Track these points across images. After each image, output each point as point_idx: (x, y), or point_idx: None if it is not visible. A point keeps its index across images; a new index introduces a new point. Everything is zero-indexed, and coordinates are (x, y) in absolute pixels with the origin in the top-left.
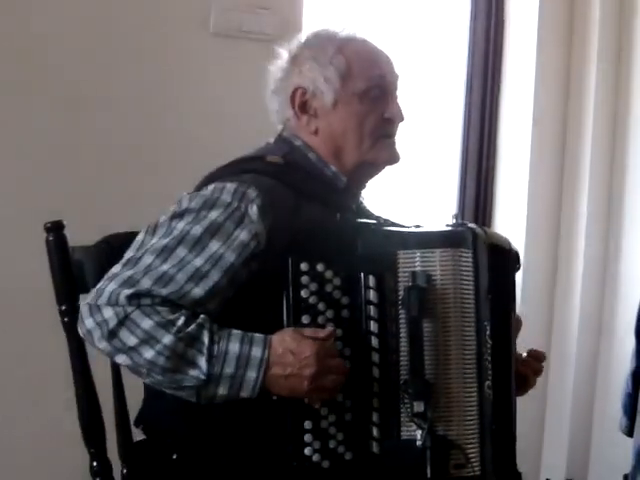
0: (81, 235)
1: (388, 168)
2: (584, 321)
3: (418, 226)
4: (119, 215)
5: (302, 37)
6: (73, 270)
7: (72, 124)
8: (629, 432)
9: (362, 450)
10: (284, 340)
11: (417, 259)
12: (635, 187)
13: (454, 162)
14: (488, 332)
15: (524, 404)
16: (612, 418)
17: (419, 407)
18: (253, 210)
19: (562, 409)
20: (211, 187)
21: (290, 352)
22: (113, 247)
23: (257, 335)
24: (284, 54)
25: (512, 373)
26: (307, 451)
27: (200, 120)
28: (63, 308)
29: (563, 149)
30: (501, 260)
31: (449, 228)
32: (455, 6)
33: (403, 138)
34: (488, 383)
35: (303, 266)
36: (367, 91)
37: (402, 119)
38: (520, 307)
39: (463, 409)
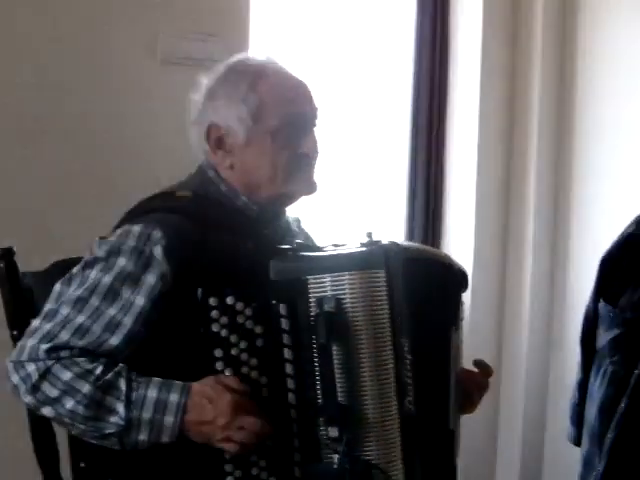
0: (31, 261)
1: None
2: (534, 335)
3: (336, 246)
4: (69, 241)
5: (220, 68)
6: (24, 295)
7: (20, 149)
8: (577, 442)
9: (285, 475)
10: (204, 388)
11: (327, 284)
12: (581, 201)
13: (402, 176)
14: (406, 348)
15: (476, 419)
16: (564, 430)
17: (333, 432)
18: (158, 251)
19: (514, 422)
20: (119, 231)
21: (208, 400)
22: (62, 272)
23: (176, 382)
24: (203, 86)
25: (447, 384)
26: (228, 468)
27: (149, 147)
28: (14, 333)
29: (509, 164)
30: (429, 273)
31: (360, 249)
32: (401, 10)
33: (351, 150)
34: (409, 399)
35: (212, 301)
36: (280, 129)
37: (317, 153)
38: (469, 324)
39: (383, 428)
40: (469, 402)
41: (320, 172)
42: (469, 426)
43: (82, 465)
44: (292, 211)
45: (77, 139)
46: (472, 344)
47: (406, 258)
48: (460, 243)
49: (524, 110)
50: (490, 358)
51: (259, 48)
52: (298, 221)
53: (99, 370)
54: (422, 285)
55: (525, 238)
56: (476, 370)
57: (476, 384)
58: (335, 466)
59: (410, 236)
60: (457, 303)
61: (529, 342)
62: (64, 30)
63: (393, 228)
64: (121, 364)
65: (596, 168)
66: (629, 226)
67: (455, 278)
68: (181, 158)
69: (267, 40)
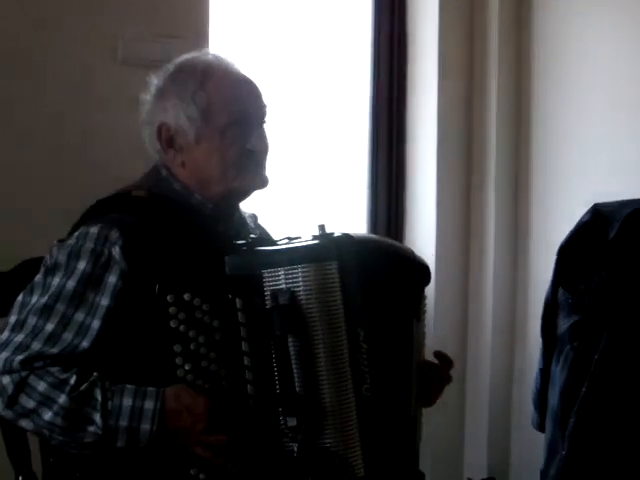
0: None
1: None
2: (497, 324)
3: (290, 239)
4: (35, 241)
5: (169, 67)
6: None
7: None
8: (540, 427)
9: (247, 466)
10: (178, 393)
11: (281, 277)
12: (540, 194)
13: (363, 173)
14: (362, 337)
15: (443, 407)
16: (529, 416)
17: (292, 421)
18: (116, 251)
19: (480, 410)
20: (76, 234)
21: (183, 406)
22: (28, 273)
23: (150, 389)
24: (152, 86)
25: (407, 372)
26: (192, 471)
27: (109, 147)
28: None
29: (469, 159)
30: (383, 264)
31: (313, 242)
32: (358, 8)
33: (313, 145)
34: (366, 387)
35: (169, 297)
36: (229, 126)
37: (266, 149)
38: (434, 316)
39: (341, 416)
40: (431, 393)
41: (280, 168)
42: (437, 415)
43: (51, 460)
44: (248, 208)
45: (38, 140)
46: (437, 336)
47: (359, 249)
48: (422, 238)
49: (482, 105)
50: (455, 349)
51: (218, 49)
52: (254, 217)
53: (73, 380)
54: (377, 275)
55: (486, 230)
56: (436, 362)
57: (438, 376)
58: (295, 455)
59: (373, 232)
60: (417, 295)
61: (493, 332)
62: (23, 31)
63: (356, 224)
64: (95, 373)
65: (554, 162)
66: (584, 215)
67: (414, 270)
68: (142, 158)
69: (226, 41)
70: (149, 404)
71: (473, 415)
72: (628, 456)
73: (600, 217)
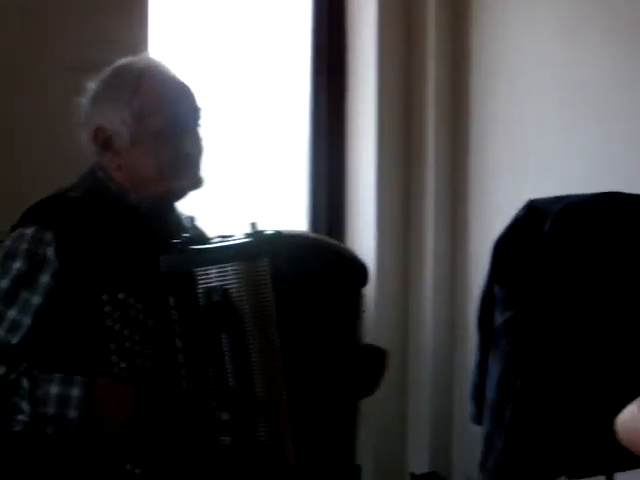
0: None
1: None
2: (438, 320)
3: (223, 238)
4: None
5: (106, 72)
6: None
7: None
8: (478, 420)
9: (182, 460)
10: (107, 384)
11: (214, 275)
12: (478, 190)
13: (303, 173)
14: (294, 333)
15: (385, 401)
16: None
17: (225, 415)
18: (51, 253)
19: (422, 405)
20: (14, 235)
21: (111, 395)
22: None
23: (78, 377)
24: (89, 90)
25: (343, 366)
26: (128, 466)
27: (51, 152)
28: None
29: (407, 158)
30: (316, 260)
31: (244, 240)
32: (297, 9)
33: (252, 146)
34: (299, 381)
35: (104, 297)
36: (163, 129)
37: (201, 151)
38: (374, 311)
39: (273, 410)
40: (370, 385)
41: (221, 167)
42: (379, 410)
43: None
44: (186, 209)
45: None
46: (378, 332)
47: (291, 246)
48: (363, 235)
49: (420, 104)
50: (396, 344)
51: (158, 53)
52: (192, 219)
53: (2, 371)
54: (310, 272)
55: (426, 227)
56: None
57: (374, 367)
58: (228, 448)
59: (314, 231)
60: (354, 293)
61: (434, 327)
62: None
63: (296, 222)
64: (24, 364)
65: (491, 159)
66: (520, 211)
67: (350, 268)
68: (83, 162)
69: (166, 44)
70: (76, 392)
71: (415, 410)
72: (564, 448)
73: (535, 212)
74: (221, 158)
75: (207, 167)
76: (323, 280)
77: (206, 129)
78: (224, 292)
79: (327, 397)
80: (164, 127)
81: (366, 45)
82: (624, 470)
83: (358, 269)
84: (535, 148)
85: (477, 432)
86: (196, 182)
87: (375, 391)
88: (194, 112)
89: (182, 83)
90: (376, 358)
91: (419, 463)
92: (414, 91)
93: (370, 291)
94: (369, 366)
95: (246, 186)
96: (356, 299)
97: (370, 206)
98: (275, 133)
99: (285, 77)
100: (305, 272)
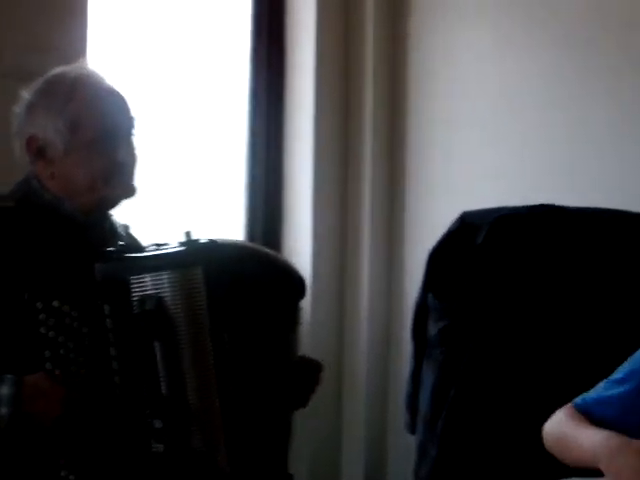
0: None
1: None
2: (373, 330)
3: (159, 246)
4: None
5: (39, 81)
6: None
7: None
8: (412, 429)
9: (116, 467)
10: (37, 382)
11: (148, 283)
12: (415, 201)
13: (240, 183)
14: (227, 341)
15: (320, 411)
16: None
17: (158, 423)
18: None
19: (357, 414)
20: None
21: (41, 393)
22: None
23: (8, 376)
24: (24, 99)
25: (276, 375)
26: (63, 473)
27: None
28: None
29: (345, 166)
30: (249, 268)
31: (179, 248)
32: (236, 13)
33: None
34: (232, 388)
35: (39, 304)
36: (96, 139)
37: (134, 160)
38: (310, 321)
39: (206, 417)
40: (302, 397)
41: (157, 175)
42: (314, 419)
43: None
44: (121, 218)
45: None
46: (314, 341)
47: (226, 255)
48: (299, 244)
49: (358, 110)
50: (332, 354)
51: (96, 61)
52: (126, 227)
53: None
54: (245, 282)
55: (362, 238)
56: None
57: (308, 379)
58: (161, 455)
59: (250, 240)
60: (290, 303)
61: (369, 337)
62: None
63: (233, 232)
64: None
65: (428, 171)
66: (453, 223)
67: (286, 278)
68: (19, 171)
69: (104, 53)
70: (6, 390)
71: (350, 419)
72: (495, 456)
73: (467, 224)
74: (157, 166)
75: (143, 175)
76: (259, 291)
77: (142, 136)
78: (158, 300)
79: (260, 406)
80: (97, 136)
81: (304, 52)
82: (558, 479)
83: (295, 281)
84: (470, 161)
85: (412, 441)
86: (129, 191)
87: (308, 403)
88: (128, 121)
89: (116, 92)
90: (311, 371)
91: (354, 472)
92: (352, 102)
93: (306, 300)
94: (303, 378)
95: (182, 195)
96: (292, 311)
97: (307, 217)
98: (212, 142)
99: (222, 84)
100: (241, 282)
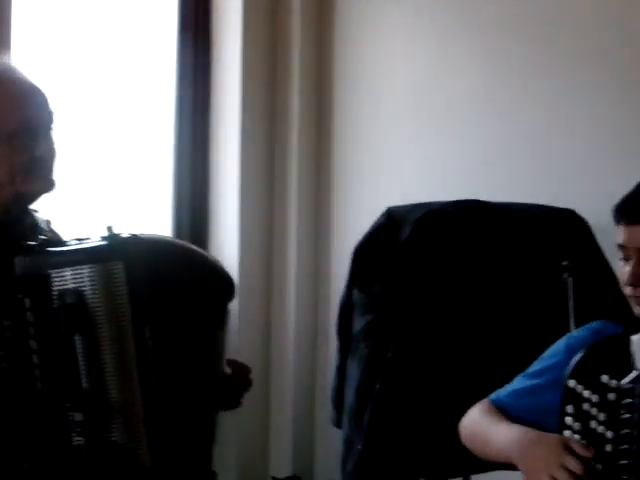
0: None
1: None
2: (300, 326)
3: (80, 240)
4: None
5: None
6: None
7: None
8: (338, 424)
9: (37, 461)
10: None
11: (69, 277)
12: (341, 198)
13: (168, 180)
14: (148, 335)
15: (247, 407)
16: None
17: (79, 416)
18: None
19: (285, 409)
20: None
21: None
22: None
23: None
24: None
25: (199, 370)
26: None
27: None
28: None
29: (271, 164)
30: (171, 263)
31: (100, 243)
32: (163, 15)
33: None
34: (153, 381)
35: None
36: (14, 134)
37: (53, 154)
38: (238, 316)
39: (127, 411)
40: (232, 399)
41: (83, 172)
42: (242, 415)
43: None
44: (42, 213)
45: None
46: (241, 338)
47: (148, 250)
48: (226, 242)
49: (284, 107)
50: (259, 350)
51: (20, 55)
52: (48, 222)
53: None
54: (169, 278)
55: (289, 235)
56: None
57: (237, 382)
58: (84, 450)
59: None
60: (214, 298)
61: (296, 333)
62: None
63: (161, 229)
64: None
65: (354, 168)
66: (379, 218)
67: (214, 276)
68: None
69: (29, 47)
70: None
71: (278, 414)
72: (420, 449)
73: (393, 220)
74: (85, 163)
75: (70, 172)
76: (184, 286)
77: (69, 133)
78: (78, 294)
79: (184, 403)
80: (16, 131)
81: (231, 49)
82: (480, 472)
83: (223, 280)
84: (396, 157)
85: (339, 435)
86: (48, 185)
87: (238, 406)
88: (47, 116)
89: (35, 86)
90: (240, 372)
91: (281, 467)
92: (278, 99)
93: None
94: (233, 379)
95: (110, 191)
96: (219, 309)
97: (233, 214)
98: (139, 137)
99: (149, 79)
100: (164, 277)
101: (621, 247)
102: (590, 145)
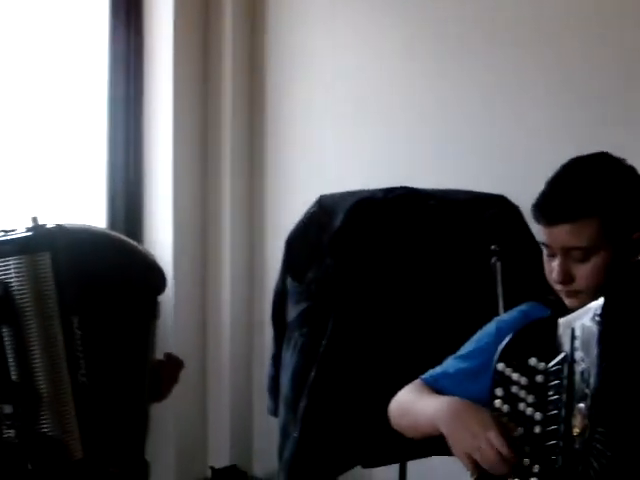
0: None
1: None
2: (235, 315)
3: (5, 232)
4: None
5: None
6: None
7: None
8: (275, 412)
9: None
10: None
11: None
12: (274, 187)
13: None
14: (76, 324)
15: (185, 398)
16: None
17: (8, 409)
18: None
19: (222, 399)
20: None
21: None
22: None
23: None
24: None
25: (130, 362)
26: None
27: None
28: None
29: (204, 156)
30: (97, 253)
31: (25, 234)
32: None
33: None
34: (82, 372)
35: None
36: None
37: None
38: (173, 306)
39: (57, 402)
40: (160, 391)
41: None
42: (180, 405)
43: None
44: None
45: None
46: (177, 326)
47: (75, 240)
48: (160, 233)
49: (217, 101)
50: (195, 339)
51: None
52: None
53: None
54: (92, 265)
55: (223, 226)
56: (168, 362)
57: (167, 375)
58: (13, 441)
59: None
60: (144, 289)
61: (231, 323)
62: None
63: (95, 220)
64: None
65: (288, 151)
66: (312, 206)
67: (144, 268)
68: None
69: None
70: None
71: (215, 405)
72: (357, 438)
73: (324, 208)
74: (17, 156)
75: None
76: (115, 278)
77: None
78: (5, 286)
79: (115, 393)
80: None
81: (162, 41)
82: (416, 458)
83: (155, 272)
84: (328, 147)
85: (276, 424)
86: None
87: (165, 398)
88: None
89: None
90: (171, 366)
91: (220, 457)
92: (210, 93)
93: (168, 289)
94: (163, 372)
95: (41, 184)
96: (150, 301)
97: (167, 203)
98: (74, 131)
99: (81, 73)
100: (94, 268)
101: (545, 245)
102: (521, 130)
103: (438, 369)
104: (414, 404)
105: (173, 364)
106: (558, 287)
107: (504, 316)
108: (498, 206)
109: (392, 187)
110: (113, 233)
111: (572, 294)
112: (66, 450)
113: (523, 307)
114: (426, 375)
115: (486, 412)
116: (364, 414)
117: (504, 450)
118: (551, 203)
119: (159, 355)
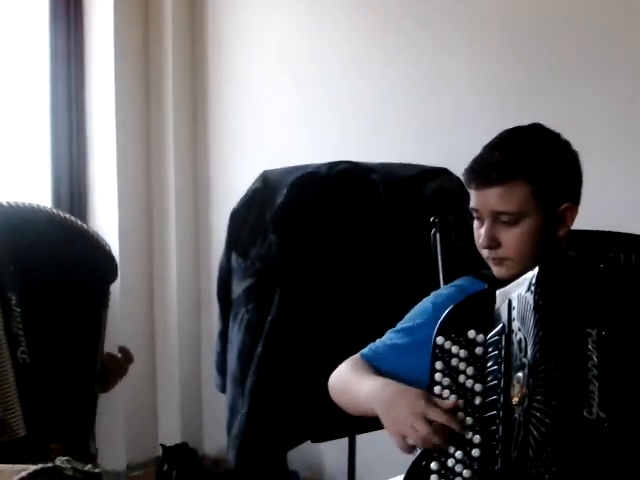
0: None
1: None
2: (182, 294)
3: None
4: None
5: None
6: None
7: None
8: (223, 389)
9: None
10: None
11: None
12: (219, 163)
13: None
14: (15, 302)
15: (135, 377)
16: None
17: None
18: None
19: (171, 378)
20: None
21: None
22: None
23: None
24: None
25: (74, 342)
26: None
27: None
28: None
29: (148, 132)
30: (36, 231)
31: None
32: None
33: None
34: (22, 349)
35: None
36: None
37: None
38: (120, 288)
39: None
40: (108, 381)
41: None
42: (129, 385)
43: None
44: None
45: None
46: (123, 306)
47: (10, 218)
48: (105, 213)
49: (159, 90)
50: (142, 320)
51: None
52: None
53: None
54: (31, 241)
55: (168, 204)
56: (119, 355)
57: (117, 367)
58: None
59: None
60: (90, 269)
61: (178, 302)
62: None
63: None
64: None
65: (232, 128)
66: (255, 182)
67: (77, 238)
68: None
69: None
70: None
71: (164, 383)
72: (305, 413)
73: (268, 183)
74: None
75: None
76: (61, 259)
77: None
78: None
79: (61, 373)
80: None
81: (103, 27)
82: (364, 432)
83: (106, 261)
84: (272, 122)
85: (225, 401)
86: None
87: (108, 390)
88: None
89: None
90: (120, 360)
91: (170, 435)
92: (153, 72)
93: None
94: (111, 364)
95: None
96: (98, 285)
97: (112, 184)
98: (17, 115)
99: (23, 60)
100: (34, 244)
101: (474, 210)
102: (463, 102)
103: (378, 343)
104: (352, 385)
105: (124, 358)
106: (485, 253)
107: (440, 291)
108: (441, 179)
109: (337, 161)
110: (63, 214)
111: (499, 262)
112: (7, 427)
113: (458, 282)
114: (365, 350)
115: (419, 391)
116: (311, 389)
117: (441, 420)
118: (483, 166)
119: (112, 346)
